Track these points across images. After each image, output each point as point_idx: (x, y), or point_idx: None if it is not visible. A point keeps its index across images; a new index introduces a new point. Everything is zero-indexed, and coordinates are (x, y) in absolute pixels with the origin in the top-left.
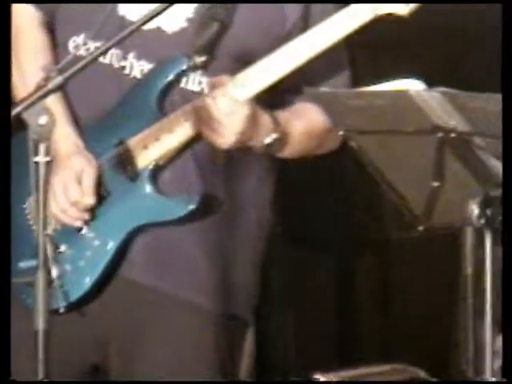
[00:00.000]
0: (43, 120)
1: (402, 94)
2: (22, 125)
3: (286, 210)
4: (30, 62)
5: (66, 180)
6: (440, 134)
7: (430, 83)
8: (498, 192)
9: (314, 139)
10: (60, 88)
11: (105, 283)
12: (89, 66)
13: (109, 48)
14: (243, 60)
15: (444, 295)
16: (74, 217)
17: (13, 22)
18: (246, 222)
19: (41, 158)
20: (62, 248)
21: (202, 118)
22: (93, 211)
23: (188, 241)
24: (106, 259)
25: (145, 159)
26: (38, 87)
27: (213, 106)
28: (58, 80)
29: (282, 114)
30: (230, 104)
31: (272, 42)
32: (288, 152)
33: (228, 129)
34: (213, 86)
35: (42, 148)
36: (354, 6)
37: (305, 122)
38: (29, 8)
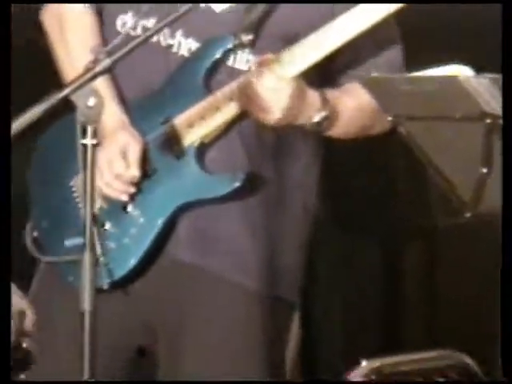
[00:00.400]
0: (91, 102)
1: (451, 80)
2: (69, 106)
3: (332, 194)
4: (78, 43)
5: (110, 154)
6: (488, 120)
7: (479, 69)
8: None
9: (365, 118)
10: (108, 70)
11: (150, 261)
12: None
13: (159, 30)
14: (290, 40)
15: (490, 283)
16: (118, 189)
17: (58, 5)
18: (293, 204)
19: (88, 141)
20: (107, 226)
21: (248, 96)
22: (138, 186)
23: (234, 221)
24: (151, 237)
25: (191, 137)
26: (87, 69)
27: (258, 84)
28: (106, 62)
29: (331, 92)
30: (276, 81)
31: (318, 25)
32: (338, 131)
33: (274, 105)
34: (259, 65)
35: (89, 130)
36: None
37: (355, 99)
38: None
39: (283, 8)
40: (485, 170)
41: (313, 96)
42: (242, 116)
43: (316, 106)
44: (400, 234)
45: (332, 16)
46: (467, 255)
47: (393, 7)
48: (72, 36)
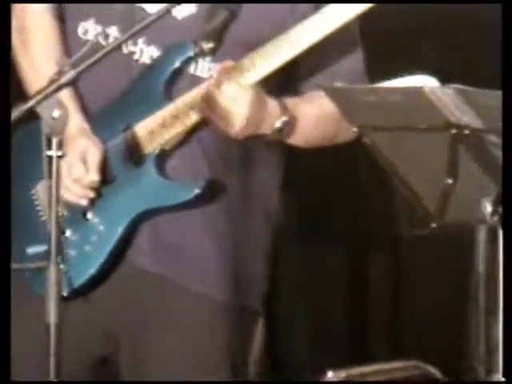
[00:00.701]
0: (56, 114)
1: (416, 91)
2: (33, 116)
3: (297, 202)
4: (42, 55)
5: (70, 159)
6: (454, 131)
7: (444, 80)
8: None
9: (326, 126)
10: (73, 82)
11: (110, 269)
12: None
13: (122, 42)
14: (252, 47)
15: (456, 293)
16: (77, 194)
17: (21, 15)
18: (256, 212)
19: (53, 152)
20: (68, 233)
21: (209, 105)
22: (98, 192)
23: (196, 229)
24: (112, 244)
25: (151, 144)
26: (52, 81)
27: (218, 93)
28: (71, 74)
29: (290, 100)
30: (236, 89)
31: (280, 30)
32: (298, 138)
33: (235, 114)
34: (219, 72)
35: (54, 142)
36: None
37: (315, 107)
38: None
39: (245, 15)
40: (450, 181)
41: (272, 103)
42: (202, 124)
43: (276, 113)
44: (366, 244)
45: (293, 22)
46: (433, 265)
47: (357, 9)
48: (35, 48)
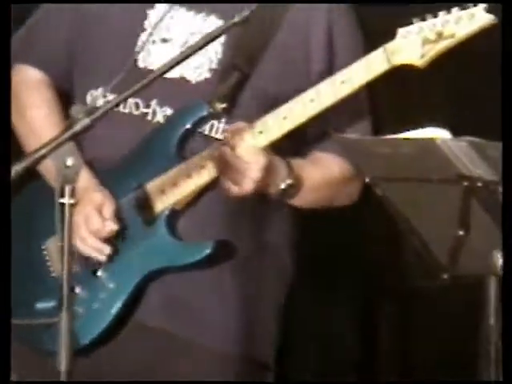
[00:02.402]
0: (70, 162)
1: (428, 143)
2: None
3: (307, 255)
4: (41, 116)
5: (87, 211)
6: (466, 183)
7: (456, 132)
8: None
9: (329, 188)
10: (87, 130)
11: (118, 327)
12: (107, 116)
13: (135, 92)
14: (267, 109)
15: (468, 344)
16: (93, 246)
17: (16, 84)
18: (267, 269)
19: (66, 200)
20: (77, 290)
21: (221, 166)
22: (113, 247)
23: (207, 288)
24: (121, 303)
25: (162, 204)
26: (65, 129)
27: (231, 155)
28: (85, 122)
29: (297, 161)
30: (248, 152)
31: (296, 92)
32: (302, 200)
33: (246, 178)
34: (232, 134)
35: (67, 190)
36: (371, 57)
37: (320, 170)
38: (34, 72)
39: (260, 77)
40: (462, 232)
41: (280, 165)
42: (214, 184)
43: (282, 175)
44: (377, 295)
45: (307, 84)
46: (443, 316)
47: (364, 80)
48: (33, 110)
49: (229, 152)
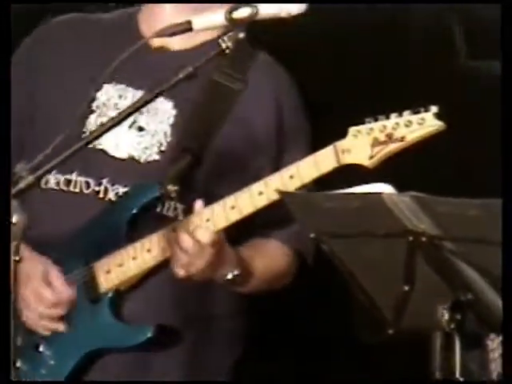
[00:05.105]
0: (14, 219)
1: (374, 197)
2: None
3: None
4: None
5: (35, 286)
6: (411, 238)
7: (402, 187)
8: (467, 297)
9: (271, 278)
10: (31, 187)
11: None
12: (56, 195)
13: (63, 159)
14: (217, 192)
15: None
16: (54, 317)
17: None
18: (218, 342)
19: (11, 257)
20: (18, 363)
21: (169, 248)
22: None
23: (154, 360)
24: (61, 379)
25: (107, 283)
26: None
27: (185, 239)
28: (29, 180)
29: (245, 253)
30: (204, 236)
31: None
32: (245, 288)
33: (196, 265)
34: (185, 217)
35: (12, 247)
36: (320, 155)
37: (265, 261)
38: None
39: (210, 161)
40: (406, 288)
41: (230, 254)
42: (159, 268)
43: (231, 265)
44: (326, 349)
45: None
46: (388, 372)
47: (310, 176)
48: None
49: (184, 236)
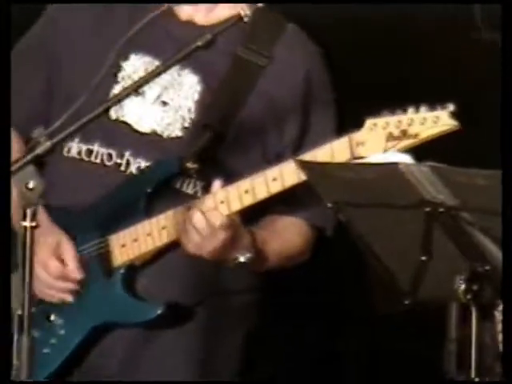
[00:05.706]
0: (31, 184)
1: (391, 168)
2: None
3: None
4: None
5: (44, 258)
6: (428, 209)
7: (420, 157)
8: (484, 267)
9: (287, 259)
10: (48, 153)
11: (67, 373)
12: (77, 165)
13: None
14: (238, 169)
15: (430, 370)
16: (61, 289)
17: None
18: (233, 328)
19: (28, 223)
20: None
21: (183, 226)
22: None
23: (165, 337)
24: (69, 351)
25: (121, 257)
26: (27, 152)
27: (200, 219)
28: (46, 145)
29: (260, 234)
30: (217, 218)
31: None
32: (257, 268)
33: (208, 245)
34: (202, 198)
35: (29, 212)
36: (335, 145)
37: (280, 243)
38: None
39: (233, 138)
40: (424, 258)
41: (244, 237)
42: (172, 244)
43: (244, 248)
44: (340, 321)
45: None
46: (406, 342)
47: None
48: None
49: (199, 216)
